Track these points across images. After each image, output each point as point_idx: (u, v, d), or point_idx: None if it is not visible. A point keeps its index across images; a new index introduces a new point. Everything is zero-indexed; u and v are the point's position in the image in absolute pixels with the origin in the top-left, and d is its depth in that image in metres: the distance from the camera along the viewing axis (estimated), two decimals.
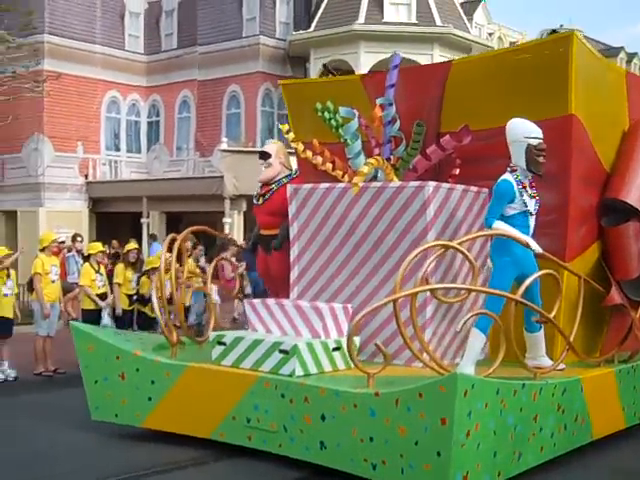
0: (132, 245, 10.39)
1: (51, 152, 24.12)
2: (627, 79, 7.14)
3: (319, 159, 6.92)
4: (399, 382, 5.20)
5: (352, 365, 5.57)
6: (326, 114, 6.60)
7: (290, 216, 7.01)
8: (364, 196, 6.48)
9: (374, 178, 6.66)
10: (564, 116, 6.27)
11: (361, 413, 5.10)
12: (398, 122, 6.75)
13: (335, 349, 5.93)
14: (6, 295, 9.37)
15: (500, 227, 5.74)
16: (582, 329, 6.68)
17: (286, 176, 7.46)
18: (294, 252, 7.00)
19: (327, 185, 6.82)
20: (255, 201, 7.64)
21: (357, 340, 5.96)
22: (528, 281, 5.48)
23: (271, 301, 6.37)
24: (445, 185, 6.30)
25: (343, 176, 6.95)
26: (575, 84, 6.23)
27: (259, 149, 7.67)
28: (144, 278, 9.84)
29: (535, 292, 5.95)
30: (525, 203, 5.83)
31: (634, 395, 6.70)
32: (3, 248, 9.71)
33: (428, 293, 5.64)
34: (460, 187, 6.42)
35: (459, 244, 5.25)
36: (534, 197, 5.89)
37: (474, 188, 6.53)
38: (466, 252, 5.20)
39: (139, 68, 26.79)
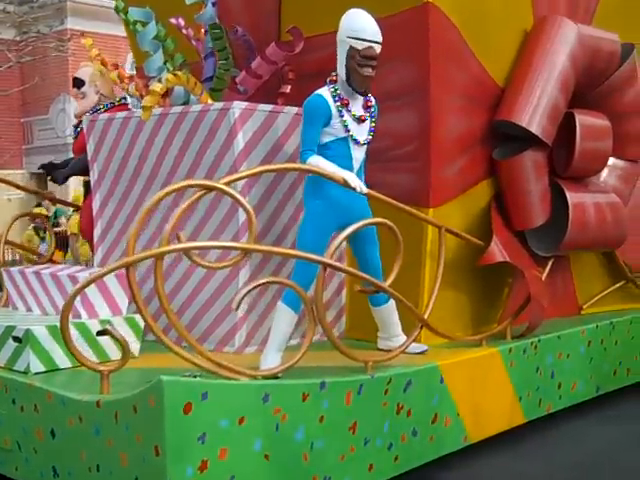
0: None
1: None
2: None
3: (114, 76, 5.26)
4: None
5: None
6: (129, 16, 4.92)
7: (89, 157, 5.41)
8: (165, 125, 4.86)
9: (186, 103, 5.01)
10: (417, 6, 4.58)
11: (86, 430, 3.52)
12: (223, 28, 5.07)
13: (101, 333, 4.34)
14: None
15: (312, 162, 4.11)
16: (466, 298, 5.09)
17: (103, 107, 5.89)
18: (96, 203, 5.41)
19: (125, 113, 5.20)
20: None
21: (138, 318, 4.39)
22: (344, 234, 3.85)
23: (29, 269, 4.78)
24: (263, 107, 4.65)
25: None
26: None
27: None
28: None
29: (368, 251, 4.34)
30: (346, 126, 4.19)
31: (536, 380, 5.10)
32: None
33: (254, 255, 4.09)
34: (289, 109, 4.77)
35: (228, 183, 3.60)
36: (362, 120, 4.25)
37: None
38: (235, 194, 3.56)
39: None
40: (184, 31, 5.26)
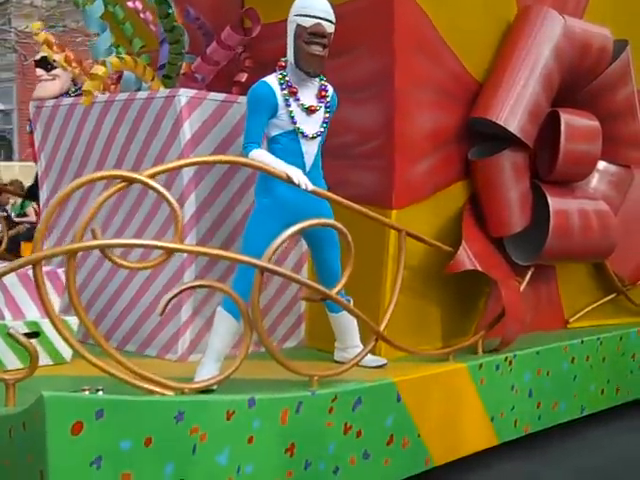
0: None
1: None
2: None
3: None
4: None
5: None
6: None
7: (36, 145, 5.06)
8: (111, 112, 4.51)
9: (138, 90, 4.65)
10: None
11: None
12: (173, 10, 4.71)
13: (31, 335, 3.97)
14: None
15: (254, 156, 3.74)
16: (436, 308, 4.71)
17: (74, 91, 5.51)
18: (43, 194, 5.06)
19: (71, 100, 4.85)
20: None
21: (72, 320, 4.02)
22: (284, 235, 3.46)
23: None
24: (214, 96, 4.28)
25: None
26: None
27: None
28: None
29: (326, 253, 3.97)
30: (292, 117, 3.82)
31: (510, 399, 4.70)
32: None
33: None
34: (244, 99, 4.39)
35: (152, 175, 3.23)
36: (312, 110, 3.87)
37: None
38: (158, 187, 3.19)
39: None
40: (142, 15, 4.91)
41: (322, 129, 3.91)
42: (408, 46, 4.24)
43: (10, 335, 3.07)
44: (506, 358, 4.63)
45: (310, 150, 3.88)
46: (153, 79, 4.52)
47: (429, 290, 4.60)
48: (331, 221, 3.64)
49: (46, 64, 5.54)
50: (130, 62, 4.36)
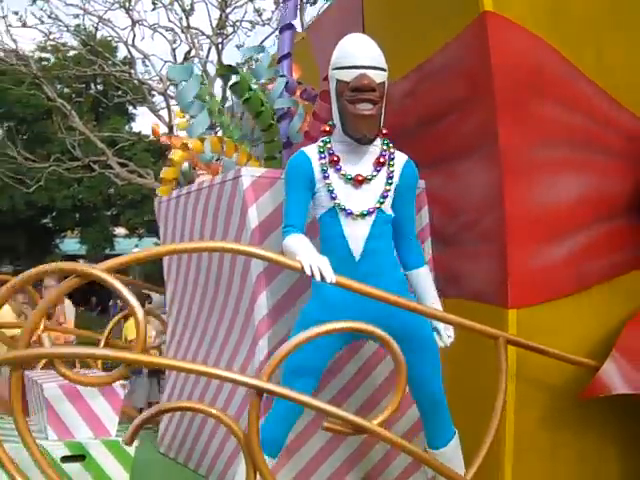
0: None
1: None
2: None
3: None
4: None
5: None
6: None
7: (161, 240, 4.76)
8: (201, 200, 4.02)
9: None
10: (474, 19, 3.23)
11: None
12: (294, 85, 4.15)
13: (75, 458, 3.46)
14: None
15: (286, 243, 2.97)
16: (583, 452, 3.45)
17: None
18: (168, 294, 4.68)
19: (183, 190, 4.43)
20: None
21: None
22: (289, 344, 2.59)
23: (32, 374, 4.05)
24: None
25: None
26: None
27: None
28: None
29: (416, 363, 3.02)
30: (331, 191, 3.00)
31: None
32: None
33: None
34: None
35: (107, 270, 2.59)
36: (359, 181, 3.01)
37: None
38: (116, 284, 2.53)
39: None
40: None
41: (378, 205, 3.03)
42: (517, 88, 3.20)
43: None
44: None
45: (358, 232, 3.02)
46: (247, 162, 3.95)
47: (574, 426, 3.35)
48: (365, 325, 2.69)
49: None
50: (214, 144, 3.84)
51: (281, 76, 4.03)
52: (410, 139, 3.70)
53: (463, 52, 3.30)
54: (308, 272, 2.75)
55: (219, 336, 3.87)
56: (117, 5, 15.34)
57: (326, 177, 3.02)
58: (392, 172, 3.07)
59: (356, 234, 3.02)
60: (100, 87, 21.85)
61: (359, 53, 2.97)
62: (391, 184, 3.06)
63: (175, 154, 3.81)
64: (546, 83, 3.26)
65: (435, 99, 3.44)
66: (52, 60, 20.70)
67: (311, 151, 3.08)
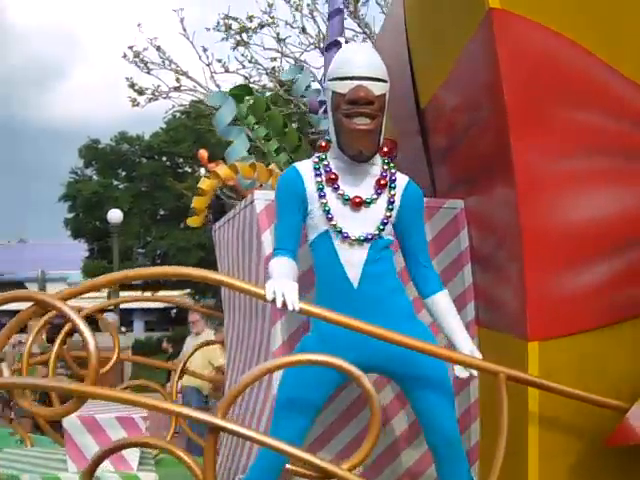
0: None
1: None
2: None
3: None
4: None
5: None
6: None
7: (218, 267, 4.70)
8: (235, 226, 3.94)
9: None
10: (482, 19, 2.92)
11: None
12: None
13: None
14: None
15: (269, 267, 2.78)
16: None
17: None
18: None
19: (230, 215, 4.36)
20: None
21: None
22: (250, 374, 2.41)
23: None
24: None
25: None
26: None
27: None
28: None
29: (424, 403, 2.78)
30: (327, 212, 2.78)
31: None
32: None
33: None
34: None
35: (63, 298, 2.50)
36: (358, 203, 2.79)
37: None
38: (71, 314, 2.45)
39: None
40: None
41: (377, 232, 2.79)
42: (531, 91, 2.86)
43: None
44: None
45: (355, 259, 2.79)
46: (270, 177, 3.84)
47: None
48: (339, 362, 2.45)
49: None
50: (245, 169, 3.74)
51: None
52: (450, 155, 3.47)
53: (475, 59, 3.02)
54: (269, 298, 2.55)
55: (253, 363, 3.76)
56: (312, 47, 15.65)
57: (322, 196, 2.81)
58: (393, 196, 2.84)
59: (353, 260, 2.80)
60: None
61: (356, 63, 2.77)
62: (392, 210, 2.83)
63: (204, 183, 3.74)
64: (568, 83, 2.89)
65: (456, 118, 3.17)
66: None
67: (304, 167, 2.88)
